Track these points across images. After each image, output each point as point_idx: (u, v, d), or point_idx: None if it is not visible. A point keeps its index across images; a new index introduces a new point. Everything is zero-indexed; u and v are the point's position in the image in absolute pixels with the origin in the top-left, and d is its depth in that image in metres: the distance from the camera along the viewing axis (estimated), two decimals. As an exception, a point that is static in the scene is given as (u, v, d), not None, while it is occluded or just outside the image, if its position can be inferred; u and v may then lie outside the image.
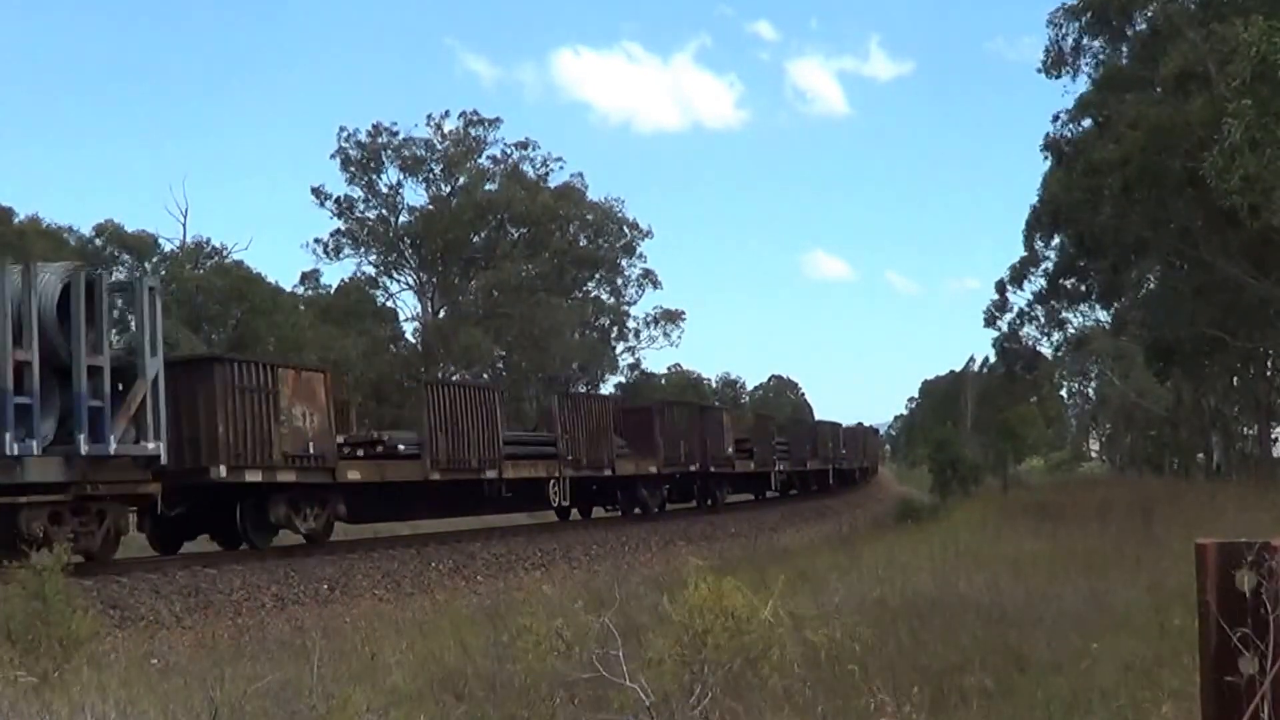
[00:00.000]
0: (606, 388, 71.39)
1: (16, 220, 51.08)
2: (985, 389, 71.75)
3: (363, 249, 67.66)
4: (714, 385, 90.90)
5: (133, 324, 19.79)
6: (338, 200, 66.82)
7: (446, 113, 68.60)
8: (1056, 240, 45.40)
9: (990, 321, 52.45)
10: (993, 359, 63.96)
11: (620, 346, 74.23)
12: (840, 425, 57.18)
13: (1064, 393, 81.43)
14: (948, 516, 31.47)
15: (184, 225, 62.47)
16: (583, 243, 69.85)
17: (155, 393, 16.81)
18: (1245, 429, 53.77)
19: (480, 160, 67.61)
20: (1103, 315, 52.79)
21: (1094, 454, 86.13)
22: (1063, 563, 14.92)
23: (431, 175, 66.96)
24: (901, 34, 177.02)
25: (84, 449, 15.57)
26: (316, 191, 66.88)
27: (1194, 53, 29.98)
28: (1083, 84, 38.89)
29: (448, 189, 67.03)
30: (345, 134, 66.31)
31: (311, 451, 19.71)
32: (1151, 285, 45.14)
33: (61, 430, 15.73)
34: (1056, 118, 41.43)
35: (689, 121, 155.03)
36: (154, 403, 16.78)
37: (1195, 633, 2.52)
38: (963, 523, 26.01)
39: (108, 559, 16.73)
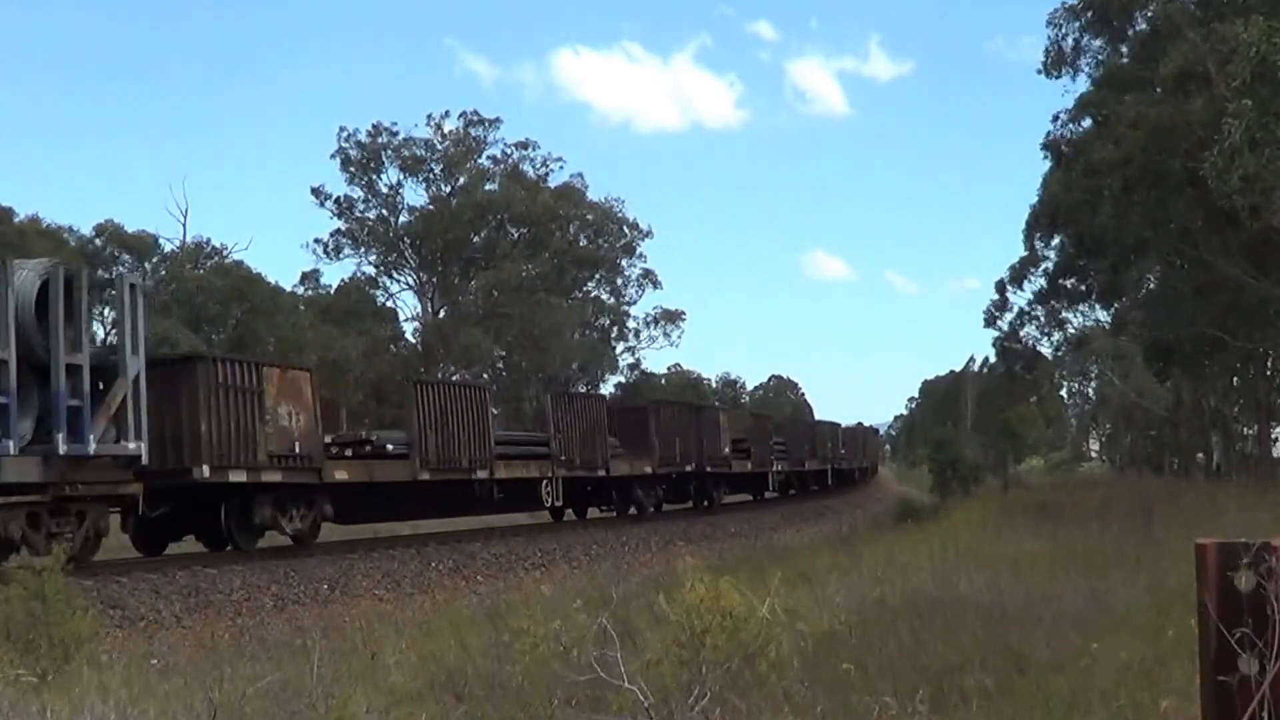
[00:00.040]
0: (606, 388, 71.41)
1: (16, 220, 51.08)
2: (985, 389, 71.73)
3: (363, 249, 67.68)
4: (714, 385, 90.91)
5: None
6: (338, 200, 66.86)
7: (446, 113, 68.68)
8: (1056, 240, 45.45)
9: (990, 321, 52.51)
10: (993, 359, 64.04)
11: (620, 346, 74.25)
12: (839, 425, 57.22)
13: (1064, 393, 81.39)
14: (948, 516, 31.46)
15: (184, 225, 62.49)
16: (583, 243, 69.85)
17: (136, 392, 16.55)
18: (1245, 429, 53.77)
19: (480, 160, 67.66)
20: (1103, 315, 52.84)
21: (1094, 454, 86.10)
22: (1063, 563, 14.92)
23: (431, 175, 66.99)
24: (901, 34, 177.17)
25: (62, 449, 15.31)
26: (316, 191, 66.92)
27: (1194, 53, 29.97)
28: (1082, 84, 38.95)
29: (448, 189, 67.04)
30: (345, 134, 66.37)
31: (297, 451, 19.51)
32: (1151, 285, 45.14)
33: (40, 430, 15.47)
34: (1056, 118, 41.50)
35: (689, 121, 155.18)
36: (135, 402, 16.50)
37: (1195, 633, 2.52)
38: (963, 523, 26.00)
39: (87, 561, 16.45)
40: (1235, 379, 50.40)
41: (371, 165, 66.76)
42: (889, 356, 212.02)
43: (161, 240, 56.36)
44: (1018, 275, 50.27)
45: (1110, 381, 56.55)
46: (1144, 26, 36.19)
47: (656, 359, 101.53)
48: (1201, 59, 29.68)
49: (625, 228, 70.53)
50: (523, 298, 64.09)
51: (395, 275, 68.52)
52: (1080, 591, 12.08)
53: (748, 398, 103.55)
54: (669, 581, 8.15)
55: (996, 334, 53.24)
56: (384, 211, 67.65)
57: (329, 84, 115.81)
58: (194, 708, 7.27)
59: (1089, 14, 36.70)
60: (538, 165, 68.46)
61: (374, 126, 66.67)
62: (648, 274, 71.97)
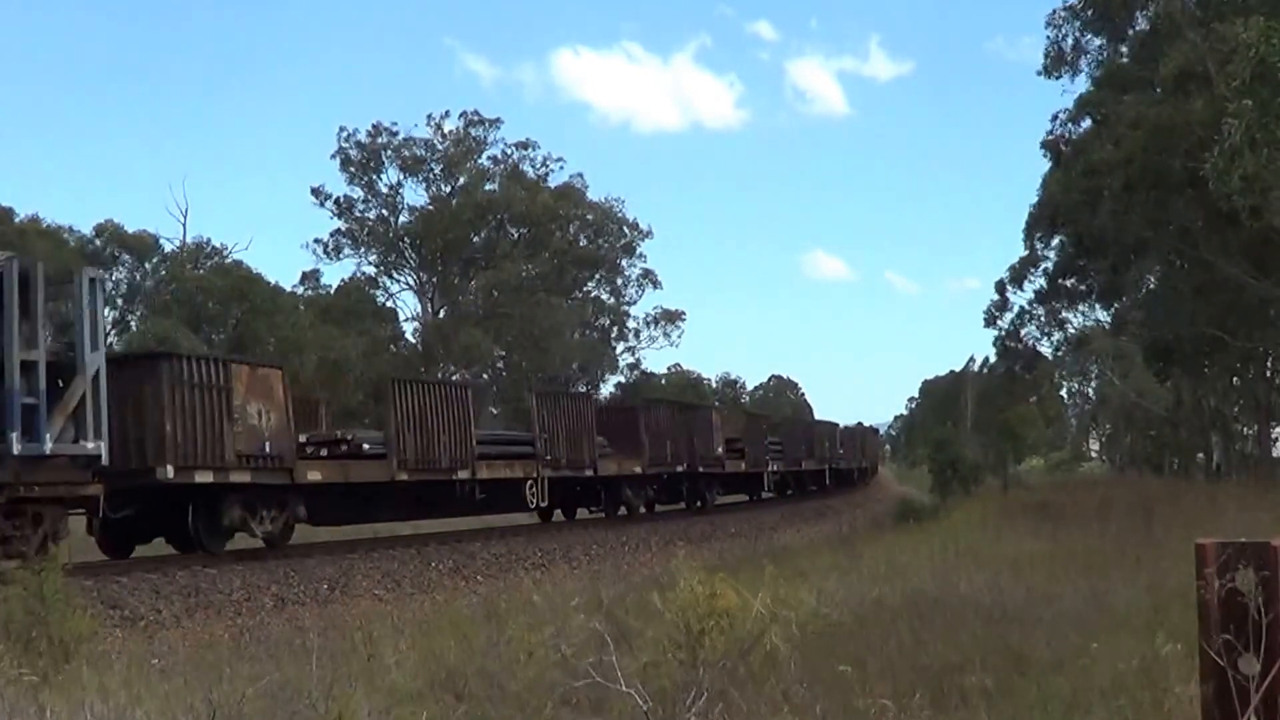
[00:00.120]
0: (607, 388, 71.49)
1: (16, 220, 51.09)
2: (985, 389, 71.71)
3: (363, 249, 67.70)
4: (714, 385, 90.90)
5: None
6: (338, 200, 66.89)
7: (447, 113, 68.70)
8: (1056, 240, 45.44)
9: (990, 321, 52.48)
10: (993, 359, 64.02)
11: (620, 346, 74.29)
12: (837, 425, 57.16)
13: (1064, 393, 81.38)
14: (948, 516, 31.46)
15: (184, 225, 62.51)
16: (583, 243, 69.87)
17: (96, 389, 15.98)
18: (1245, 429, 53.76)
19: (480, 160, 67.69)
20: (1103, 315, 52.84)
21: (1094, 454, 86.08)
22: (1063, 563, 14.92)
23: (431, 175, 67.01)
24: (901, 34, 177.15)
25: (16, 448, 14.75)
26: (316, 191, 66.96)
27: (1194, 52, 29.97)
28: (1082, 84, 38.95)
29: (448, 189, 67.06)
30: (345, 134, 66.39)
31: (268, 451, 18.97)
32: (1151, 285, 45.14)
33: (-7, 429, 14.84)
34: (1055, 117, 41.52)
35: (689, 121, 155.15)
36: (95, 400, 15.92)
37: (1194, 631, 2.52)
38: (963, 523, 26.00)
39: (39, 563, 15.78)
40: (1235, 379, 50.38)
41: (371, 165, 66.78)
42: (889, 356, 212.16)
43: (161, 240, 56.40)
44: (1018, 275, 50.26)
45: (1110, 381, 56.58)
46: (1144, 26, 36.20)
47: (656, 359, 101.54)
48: (1201, 59, 29.68)
49: (625, 228, 70.56)
50: (523, 298, 64.11)
51: (395, 275, 68.57)
52: (1080, 591, 12.09)
53: (748, 398, 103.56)
54: (669, 582, 8.15)
55: (996, 334, 53.26)
56: (384, 211, 67.68)
57: (329, 84, 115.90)
58: (194, 708, 7.27)
59: (1089, 13, 36.70)
60: (538, 165, 68.54)
61: (374, 126, 66.76)
62: (648, 274, 72.04)
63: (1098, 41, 37.98)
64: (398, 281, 68.70)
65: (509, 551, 23.46)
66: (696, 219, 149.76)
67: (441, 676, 8.88)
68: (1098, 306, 51.72)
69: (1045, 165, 43.16)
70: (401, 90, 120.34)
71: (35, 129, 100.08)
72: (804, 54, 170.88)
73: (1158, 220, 35.05)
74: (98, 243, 55.07)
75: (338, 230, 67.18)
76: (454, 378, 62.70)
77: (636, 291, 72.48)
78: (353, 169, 66.58)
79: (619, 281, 72.10)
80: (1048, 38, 37.98)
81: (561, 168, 68.59)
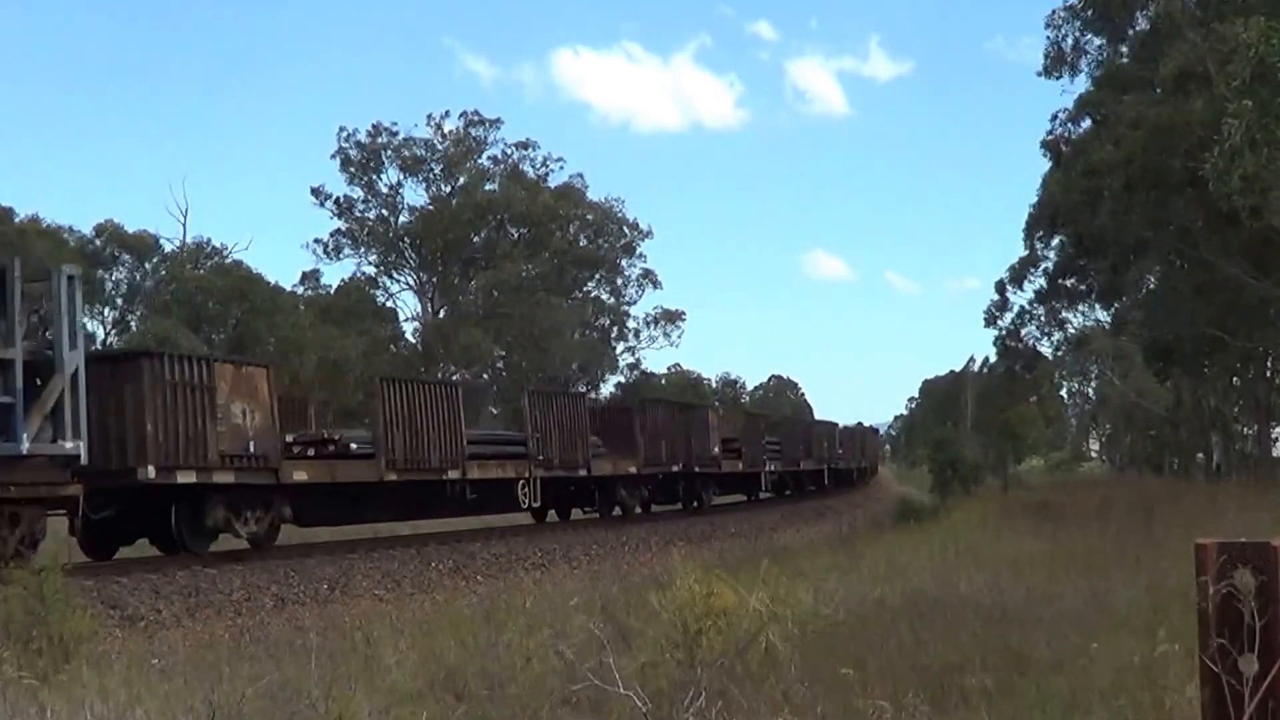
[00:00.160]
0: (607, 388, 71.57)
1: (16, 220, 51.13)
2: (985, 389, 71.72)
3: (363, 249, 67.78)
4: (714, 385, 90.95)
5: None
6: (337, 200, 66.95)
7: (447, 113, 68.78)
8: (1056, 240, 45.45)
9: (990, 321, 52.47)
10: (993, 359, 64.03)
11: (620, 346, 74.36)
12: (836, 425, 57.08)
13: (1064, 393, 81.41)
14: (948, 516, 31.45)
15: (184, 225, 62.57)
16: (583, 243, 69.92)
17: (75, 388, 15.71)
18: (1245, 429, 53.77)
19: (480, 160, 67.74)
20: (1103, 315, 52.85)
21: (1094, 454, 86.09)
22: (1063, 563, 14.92)
23: (431, 175, 67.07)
24: (901, 34, 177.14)
25: None
26: (316, 191, 67.04)
27: (1194, 52, 29.99)
28: (1081, 84, 38.97)
29: (448, 189, 67.10)
30: (345, 134, 66.47)
31: (252, 451, 18.70)
32: (1151, 285, 45.16)
33: (-31, 429, 14.60)
34: (1055, 116, 41.53)
35: (689, 121, 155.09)
36: (73, 399, 15.66)
37: (1193, 631, 2.52)
38: (963, 523, 26.00)
39: (17, 565, 15.09)
40: (1235, 379, 50.39)
41: (371, 165, 66.84)
42: (889, 356, 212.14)
43: (161, 240, 56.44)
44: (1018, 275, 50.26)
45: (1110, 381, 56.60)
46: (1144, 26, 36.21)
47: (656, 359, 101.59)
48: (1201, 59, 29.69)
49: (625, 228, 70.62)
50: (523, 298, 64.15)
51: (395, 275, 68.64)
52: (1080, 591, 12.09)
53: (748, 398, 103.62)
54: (669, 581, 8.15)
55: (996, 334, 53.25)
56: (384, 211, 67.74)
57: (329, 84, 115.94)
58: (194, 708, 7.27)
59: (1089, 13, 36.71)
60: (538, 165, 68.60)
61: (374, 126, 66.84)
62: (648, 274, 72.11)
63: (1098, 41, 38.02)
64: (398, 281, 68.80)
65: (509, 551, 23.46)
66: (696, 219, 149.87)
67: (441, 676, 8.88)
68: (1098, 306, 51.77)
69: (1045, 165, 43.22)
70: (401, 90, 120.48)
71: (35, 129, 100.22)
72: (804, 54, 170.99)
73: (1158, 220, 35.07)
74: (98, 243, 55.13)
75: (338, 230, 67.30)
76: (454, 378, 62.79)
77: (636, 291, 72.60)
78: (353, 169, 66.65)
79: (619, 281, 72.19)
80: (1047, 38, 38.04)
81: (561, 168, 68.72)
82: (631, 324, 73.72)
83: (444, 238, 65.01)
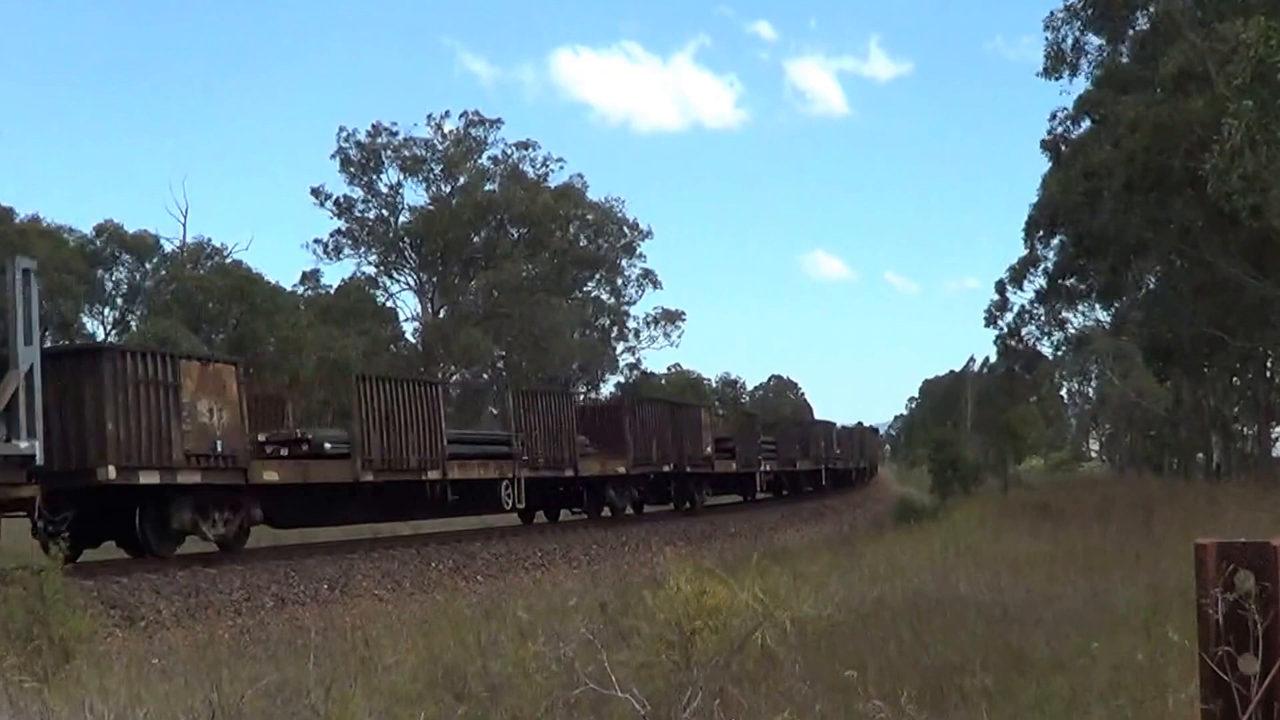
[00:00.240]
0: (607, 388, 71.61)
1: (17, 220, 51.14)
2: (985, 389, 71.69)
3: (363, 249, 67.82)
4: (714, 385, 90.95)
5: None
6: (337, 200, 66.99)
7: (447, 113, 68.86)
8: (1056, 240, 45.45)
9: (990, 321, 52.46)
10: (993, 359, 64.04)
11: (620, 346, 74.42)
12: (834, 424, 57.01)
13: (1064, 393, 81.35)
14: (948, 516, 31.43)
15: (184, 225, 62.57)
16: (583, 243, 69.97)
17: (30, 386, 15.24)
18: (1245, 429, 53.77)
19: (480, 160, 67.77)
20: (1103, 315, 52.85)
21: (1094, 454, 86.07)
22: (1063, 562, 14.92)
23: (431, 175, 67.10)
24: (901, 34, 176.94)
25: None
26: (316, 191, 67.09)
27: (1194, 52, 29.99)
28: (1080, 85, 38.96)
29: (448, 189, 67.12)
30: (345, 134, 66.49)
31: (220, 450, 18.25)
32: (1151, 285, 45.16)
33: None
34: (1054, 115, 41.53)
35: (689, 121, 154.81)
36: (28, 397, 15.17)
37: (1193, 631, 2.52)
38: (963, 523, 25.98)
39: None
40: (1235, 379, 50.39)
41: (371, 165, 66.89)
42: (889, 356, 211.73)
43: (161, 240, 56.47)
44: (1018, 275, 50.23)
45: (1110, 381, 56.55)
46: (1144, 26, 36.20)
47: (656, 359, 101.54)
48: (1201, 59, 29.69)
49: (625, 228, 70.67)
50: (523, 298, 64.17)
51: (395, 275, 68.69)
52: (1080, 591, 12.09)
53: (748, 398, 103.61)
54: (665, 581, 8.14)
55: (996, 334, 53.24)
56: (384, 211, 67.78)
57: (329, 84, 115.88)
58: (194, 708, 7.27)
59: (1089, 12, 36.70)
60: (538, 165, 68.66)
61: (374, 126, 66.89)
62: (648, 274, 72.17)
63: (1097, 41, 38.01)
64: (398, 281, 68.85)
65: (509, 551, 23.47)
66: (696, 219, 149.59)
67: (441, 677, 8.88)
68: (1098, 306, 51.76)
69: (1045, 165, 43.22)
70: (401, 90, 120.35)
71: (35, 129, 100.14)
72: (804, 54, 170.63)
73: (1158, 220, 35.07)
74: (98, 243, 55.14)
75: (338, 230, 67.35)
76: (454, 378, 62.86)
77: (636, 291, 72.65)
78: (353, 169, 66.69)
79: (619, 281, 72.24)
80: (1046, 39, 38.01)
81: (561, 168, 68.76)
82: (631, 324, 73.85)
83: (444, 238, 65.05)
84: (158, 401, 17.41)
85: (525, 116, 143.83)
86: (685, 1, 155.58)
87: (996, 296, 52.04)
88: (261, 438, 20.60)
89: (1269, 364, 45.51)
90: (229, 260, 55.93)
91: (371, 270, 67.89)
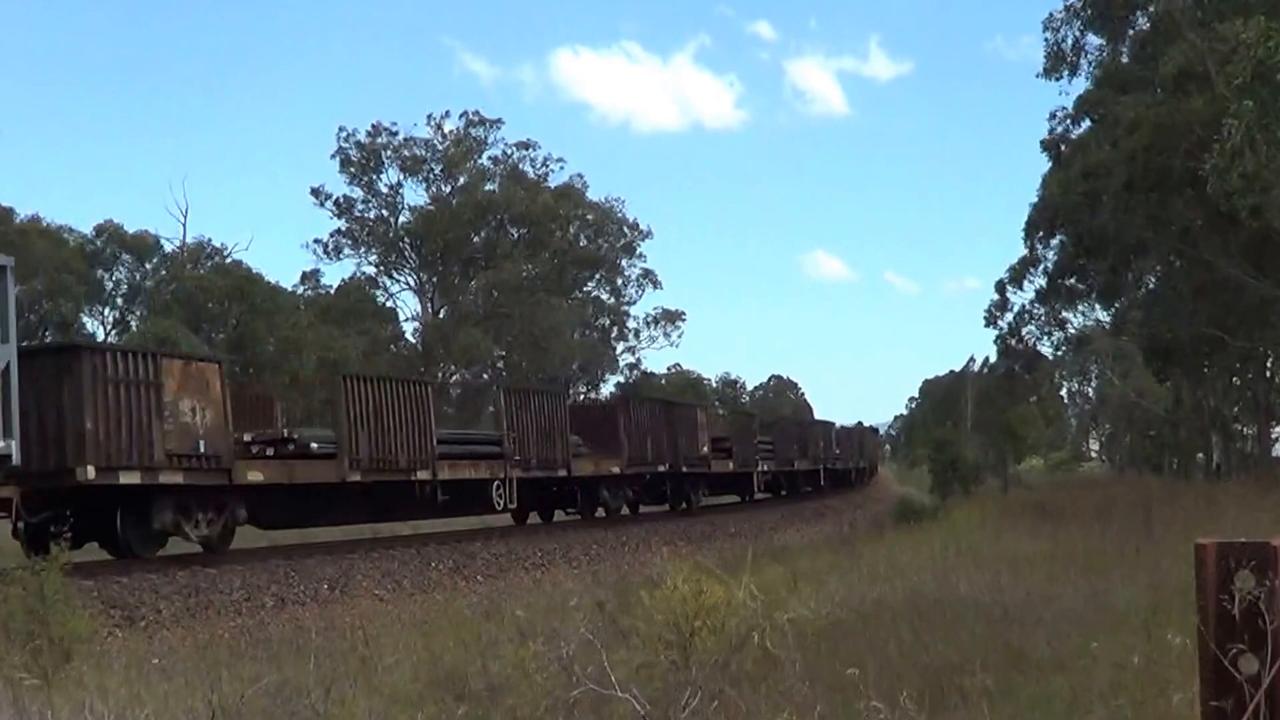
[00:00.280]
0: (607, 388, 71.60)
1: (17, 220, 51.16)
2: (985, 389, 71.69)
3: (363, 249, 67.83)
4: (714, 385, 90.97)
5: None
6: (337, 200, 67.01)
7: (447, 113, 68.90)
8: (1056, 240, 45.45)
9: (990, 321, 52.45)
10: (993, 359, 64.04)
11: (620, 346, 74.46)
12: (833, 424, 56.94)
13: (1064, 393, 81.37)
14: (948, 516, 31.42)
15: (184, 225, 62.57)
16: (583, 243, 69.99)
17: (6, 385, 15.10)
18: (1245, 429, 53.77)
19: (480, 160, 67.80)
20: (1103, 315, 52.84)
21: (1094, 454, 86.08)
22: (1063, 562, 14.92)
23: (431, 175, 67.11)
24: (901, 34, 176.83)
25: None
26: (316, 191, 67.10)
27: (1194, 52, 29.99)
28: (1080, 85, 38.97)
29: (448, 189, 67.14)
30: (345, 134, 66.50)
31: (202, 450, 18.03)
32: (1151, 285, 45.15)
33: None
34: (1053, 115, 41.53)
35: (688, 121, 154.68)
36: (4, 396, 15.04)
37: (1193, 631, 2.52)
38: (963, 523, 25.98)
39: None
40: (1235, 379, 50.38)
41: (371, 165, 66.90)
42: (889, 356, 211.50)
43: (162, 240, 56.50)
44: (1018, 275, 50.22)
45: (1110, 381, 56.56)
46: (1144, 25, 36.20)
47: (656, 359, 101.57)
48: (1201, 59, 29.70)
49: (625, 228, 70.70)
50: (523, 298, 64.19)
51: (395, 275, 68.71)
52: (1080, 591, 12.09)
53: (748, 398, 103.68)
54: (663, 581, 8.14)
55: (997, 334, 53.24)
56: (384, 211, 67.80)
57: (329, 84, 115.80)
58: (194, 708, 7.27)
59: (1089, 12, 36.70)
60: (538, 165, 68.68)
61: (374, 126, 66.92)
62: (648, 274, 72.19)
63: (1097, 41, 38.01)
64: (398, 281, 68.86)
65: (509, 551, 23.47)
66: (696, 219, 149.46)
67: (441, 677, 8.89)
68: (1098, 306, 51.75)
69: (1045, 165, 43.21)
70: (401, 90, 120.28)
71: (35, 129, 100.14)
72: (803, 54, 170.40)
73: (1158, 220, 35.06)
74: (98, 243, 55.17)
75: (338, 230, 67.37)
76: (454, 378, 62.85)
77: (636, 291, 72.68)
78: (353, 169, 66.70)
79: (619, 281, 72.26)
80: (1046, 39, 38.01)
81: (561, 168, 68.79)
82: (631, 324, 73.88)
83: (444, 238, 65.06)
84: (139, 401, 17.23)
85: (525, 116, 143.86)
86: (685, 1, 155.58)
87: (996, 296, 52.07)
88: (247, 437, 20.39)
89: (1269, 364, 45.51)
90: (229, 260, 55.96)
91: (371, 270, 67.98)
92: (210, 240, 57.99)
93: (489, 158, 68.13)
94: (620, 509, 30.94)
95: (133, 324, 54.05)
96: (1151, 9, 34.80)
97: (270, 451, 20.63)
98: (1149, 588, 11.55)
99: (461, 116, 67.97)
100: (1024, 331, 52.54)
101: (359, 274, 67.07)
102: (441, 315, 66.52)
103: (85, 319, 54.52)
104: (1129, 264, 41.65)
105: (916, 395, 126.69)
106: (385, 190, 67.30)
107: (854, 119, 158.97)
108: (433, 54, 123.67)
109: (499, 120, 68.18)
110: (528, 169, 68.37)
